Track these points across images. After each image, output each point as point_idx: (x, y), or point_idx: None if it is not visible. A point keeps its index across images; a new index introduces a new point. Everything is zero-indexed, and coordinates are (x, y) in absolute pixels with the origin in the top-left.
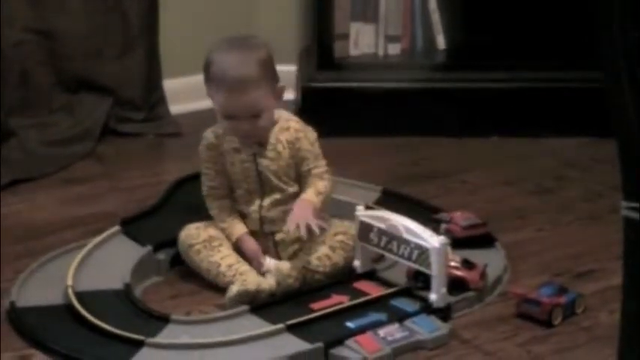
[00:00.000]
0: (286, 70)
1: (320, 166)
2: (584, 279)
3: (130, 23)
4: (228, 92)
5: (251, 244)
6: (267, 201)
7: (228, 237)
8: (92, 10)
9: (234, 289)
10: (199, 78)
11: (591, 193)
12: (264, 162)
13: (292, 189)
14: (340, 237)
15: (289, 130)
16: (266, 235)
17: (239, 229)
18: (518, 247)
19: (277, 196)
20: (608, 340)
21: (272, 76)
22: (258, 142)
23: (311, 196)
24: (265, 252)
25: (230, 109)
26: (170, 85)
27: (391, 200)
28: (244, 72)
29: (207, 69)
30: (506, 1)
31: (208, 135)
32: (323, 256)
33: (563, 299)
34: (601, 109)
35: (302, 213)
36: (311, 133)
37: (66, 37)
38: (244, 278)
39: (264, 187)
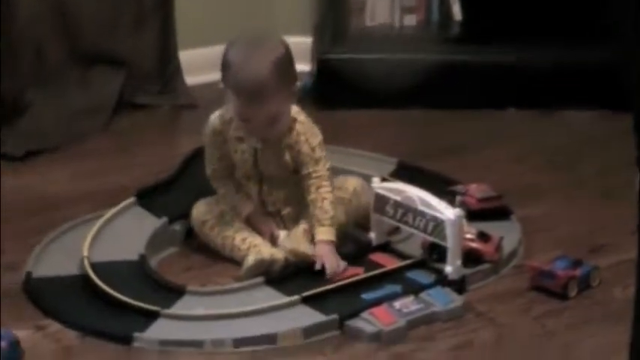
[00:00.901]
0: (302, 42)
1: (319, 171)
2: (598, 254)
3: None
4: (244, 100)
5: (262, 220)
6: (265, 186)
7: (237, 215)
8: None
9: (250, 260)
10: (215, 49)
11: (606, 168)
12: (263, 158)
13: (291, 176)
14: (337, 192)
15: (291, 132)
16: (271, 213)
17: (248, 207)
18: (533, 222)
19: (276, 181)
20: (622, 314)
21: (290, 79)
22: (263, 139)
23: (326, 235)
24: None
25: (246, 115)
26: (186, 56)
27: (406, 173)
28: (261, 81)
29: (224, 70)
30: None
31: (214, 121)
32: None
33: (578, 272)
34: (617, 82)
35: (328, 260)
36: (313, 138)
37: (80, 10)
38: (258, 249)
39: (261, 175)
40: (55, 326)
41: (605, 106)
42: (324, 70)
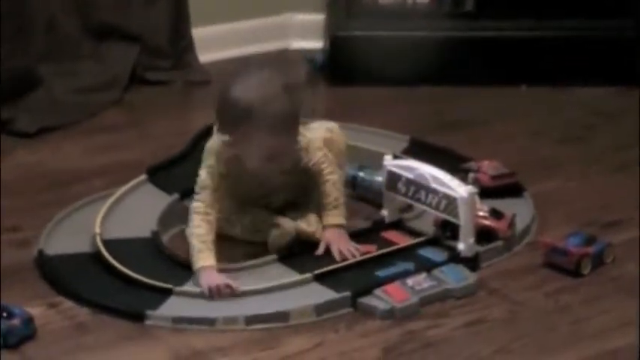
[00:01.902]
0: (315, 18)
1: (317, 156)
2: (612, 229)
3: None
4: (279, 133)
5: (213, 277)
6: (273, 195)
7: (194, 259)
8: None
9: (274, 232)
10: (228, 26)
11: (620, 143)
12: (275, 180)
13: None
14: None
15: (314, 156)
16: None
17: (209, 260)
18: (546, 197)
19: (284, 189)
20: (636, 290)
21: (302, 97)
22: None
23: (333, 219)
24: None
25: (279, 149)
26: (199, 33)
27: (419, 149)
28: (289, 108)
29: (241, 118)
30: None
31: (218, 166)
32: None
33: (591, 249)
34: (630, 58)
35: (340, 244)
36: (334, 175)
37: None
38: (280, 223)
39: (270, 194)
40: (67, 303)
41: (619, 82)
42: (337, 46)
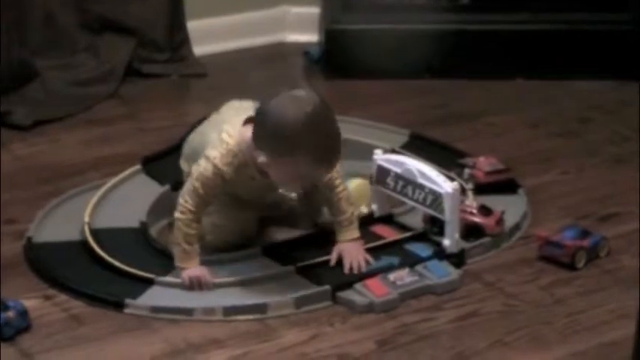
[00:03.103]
0: (310, 12)
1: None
2: (608, 222)
3: None
4: (322, 167)
5: (195, 269)
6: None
7: (180, 258)
8: None
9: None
10: (224, 19)
11: (616, 136)
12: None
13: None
14: None
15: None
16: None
17: (194, 262)
18: (543, 190)
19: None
20: (631, 282)
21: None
22: None
23: (348, 235)
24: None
25: (314, 179)
26: (194, 26)
27: (419, 144)
28: (340, 142)
29: (296, 143)
30: None
31: (226, 169)
32: None
33: (586, 242)
34: (628, 51)
35: (353, 256)
36: (345, 191)
37: None
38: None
39: (265, 200)
40: (63, 296)
41: (616, 75)
42: (333, 40)
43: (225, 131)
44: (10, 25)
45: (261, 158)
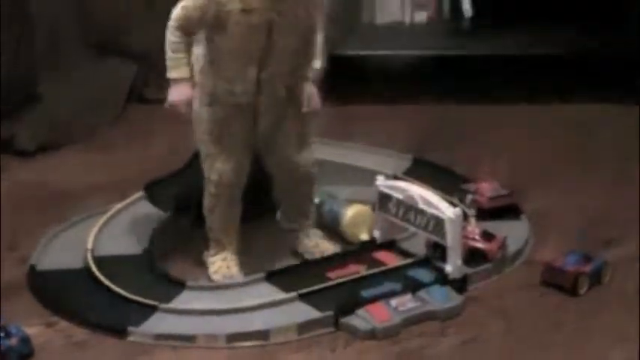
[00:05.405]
0: None
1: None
2: (611, 244)
3: None
4: None
5: (184, 92)
6: (269, 64)
7: (170, 67)
8: None
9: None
10: None
11: (619, 157)
12: (278, 29)
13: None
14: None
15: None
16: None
17: (184, 72)
18: (545, 213)
19: (281, 55)
20: (634, 307)
21: None
22: (277, 10)
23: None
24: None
25: None
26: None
27: (421, 169)
28: None
29: None
30: None
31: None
32: None
33: (588, 267)
34: (629, 74)
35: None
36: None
37: (94, 3)
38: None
39: (266, 52)
40: (65, 322)
41: (617, 99)
42: (335, 64)
43: None
44: (13, 49)
45: None
